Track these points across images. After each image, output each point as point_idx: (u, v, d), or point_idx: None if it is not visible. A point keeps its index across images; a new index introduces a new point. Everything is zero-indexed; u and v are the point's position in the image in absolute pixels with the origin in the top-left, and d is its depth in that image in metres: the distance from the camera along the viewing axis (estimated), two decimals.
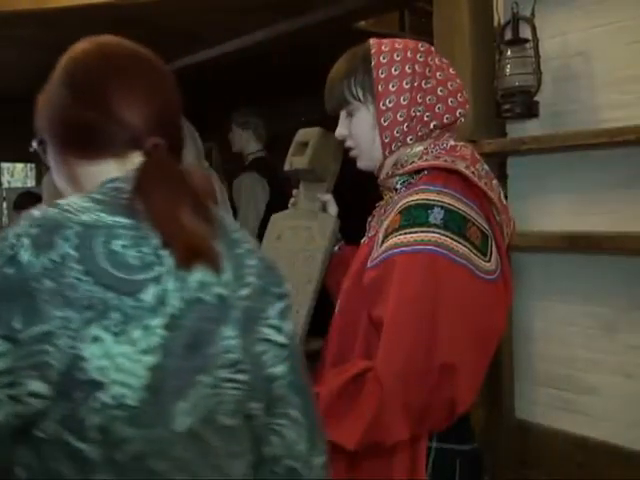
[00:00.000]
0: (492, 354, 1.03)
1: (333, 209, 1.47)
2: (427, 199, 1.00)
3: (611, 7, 1.95)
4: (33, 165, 6.29)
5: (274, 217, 1.61)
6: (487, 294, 0.99)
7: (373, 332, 1.04)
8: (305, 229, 1.48)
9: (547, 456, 2.12)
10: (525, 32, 2.03)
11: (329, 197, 1.48)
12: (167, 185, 0.75)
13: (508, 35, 2.06)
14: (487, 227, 1.03)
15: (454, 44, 2.17)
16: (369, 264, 1.04)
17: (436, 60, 1.12)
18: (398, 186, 1.12)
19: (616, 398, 1.99)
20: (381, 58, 1.10)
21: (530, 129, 2.14)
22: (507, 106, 2.03)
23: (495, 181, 1.10)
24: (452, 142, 1.11)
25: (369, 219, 1.22)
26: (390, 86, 1.08)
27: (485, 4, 2.19)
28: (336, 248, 1.45)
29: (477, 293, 0.98)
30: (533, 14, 2.02)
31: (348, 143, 1.19)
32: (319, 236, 1.43)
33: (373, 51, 1.11)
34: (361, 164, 1.20)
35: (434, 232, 0.97)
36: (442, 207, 0.98)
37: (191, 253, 0.72)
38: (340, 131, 1.18)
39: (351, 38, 3.53)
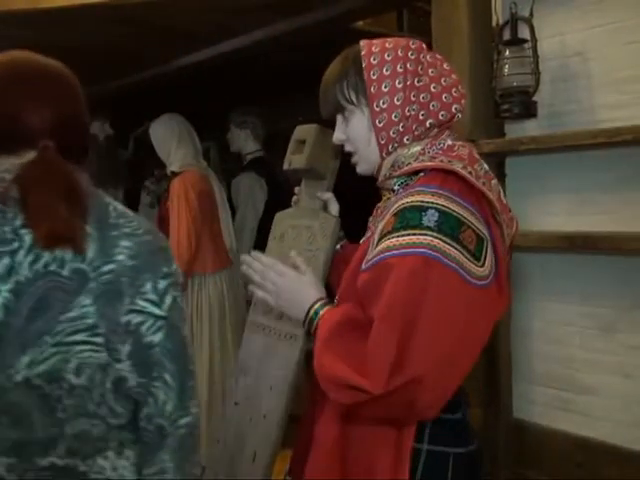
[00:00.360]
0: (471, 365, 1.01)
1: (334, 207, 1.46)
2: (422, 201, 0.98)
3: (609, 8, 1.95)
4: None
5: (278, 215, 1.61)
6: (476, 301, 0.97)
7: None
8: (307, 228, 1.48)
9: (545, 456, 2.13)
10: (523, 32, 2.03)
11: (329, 195, 1.47)
12: (45, 178, 0.90)
13: (506, 35, 2.06)
14: (484, 230, 1.01)
15: (452, 44, 2.16)
16: (363, 266, 1.03)
17: (428, 57, 1.11)
18: (396, 187, 1.11)
19: (614, 398, 1.99)
20: (372, 59, 1.09)
21: (528, 129, 2.14)
22: (505, 106, 2.03)
23: (494, 181, 1.08)
24: (450, 142, 1.10)
25: (370, 219, 1.22)
26: (383, 87, 1.07)
27: (484, 4, 2.18)
28: (338, 246, 1.44)
29: (465, 300, 0.96)
30: (531, 14, 2.02)
31: (347, 148, 1.18)
32: (320, 236, 1.44)
33: (364, 53, 1.10)
34: (360, 169, 1.19)
35: (427, 235, 0.95)
36: (437, 209, 0.97)
37: (50, 234, 0.88)
38: (337, 136, 1.17)
39: (349, 38, 3.53)
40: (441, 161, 1.03)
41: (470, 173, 1.01)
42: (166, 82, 4.06)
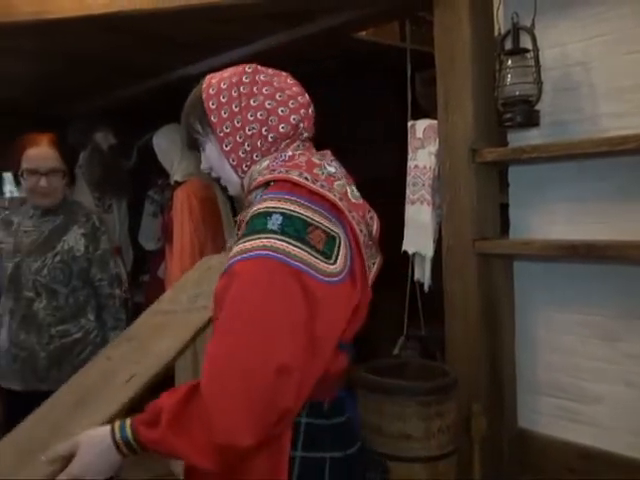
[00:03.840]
0: (327, 357, 1.03)
1: None
2: (267, 207, 1.04)
3: (610, 18, 1.96)
4: None
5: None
6: (325, 296, 1.00)
7: None
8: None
9: (549, 465, 2.12)
10: (525, 42, 2.04)
11: None
12: None
13: (508, 45, 2.07)
14: (336, 229, 1.06)
15: (455, 54, 2.18)
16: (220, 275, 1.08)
17: (262, 77, 1.19)
18: (255, 201, 1.15)
19: (618, 407, 1.99)
20: (210, 90, 1.18)
21: (531, 138, 2.14)
22: (508, 115, 2.04)
23: (340, 182, 1.13)
24: (290, 152, 1.16)
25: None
26: (222, 113, 1.16)
27: (486, 14, 2.20)
28: None
29: (312, 295, 0.99)
30: (533, 24, 2.03)
31: (213, 174, 1.25)
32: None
33: (204, 86, 1.19)
34: (230, 191, 1.26)
35: (270, 237, 1.00)
36: (281, 213, 1.02)
37: None
38: (202, 166, 1.26)
39: (351, 48, 3.54)
40: (279, 172, 1.10)
41: (306, 179, 1.07)
42: (169, 92, 4.07)
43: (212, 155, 1.21)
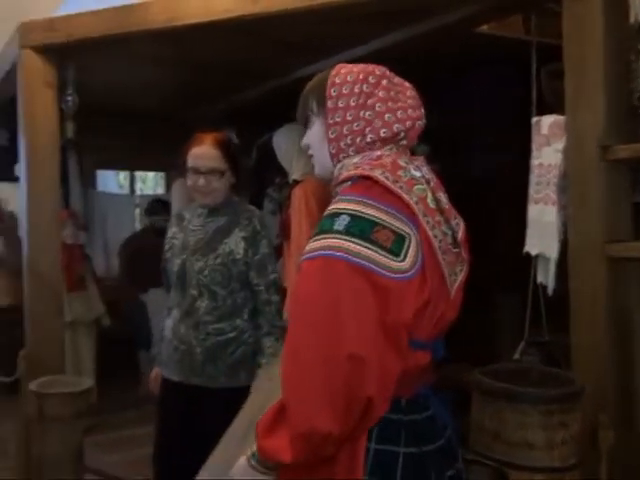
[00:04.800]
0: (404, 350, 1.08)
1: None
2: (337, 208, 1.11)
3: None
4: (163, 174, 6.68)
5: None
6: (393, 290, 1.05)
7: None
8: None
9: None
10: None
11: None
12: None
13: None
14: (405, 229, 1.10)
15: (585, 44, 2.07)
16: None
17: (385, 82, 1.24)
18: (335, 197, 1.21)
19: None
20: (336, 79, 1.24)
21: None
22: None
23: (421, 186, 1.17)
24: (379, 152, 1.21)
25: None
26: (339, 103, 1.22)
27: (619, 2, 2.07)
28: None
29: (381, 289, 1.04)
30: None
31: (309, 151, 1.32)
32: None
33: (333, 72, 1.26)
34: (316, 171, 1.33)
35: (334, 237, 1.07)
36: (349, 214, 1.09)
37: None
38: (303, 140, 1.33)
39: (472, 43, 3.46)
40: (363, 169, 1.16)
41: (387, 178, 1.13)
42: (287, 93, 4.17)
43: (316, 135, 1.27)
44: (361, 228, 1.08)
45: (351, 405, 1.02)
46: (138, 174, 6.93)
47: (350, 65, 1.28)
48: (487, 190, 3.75)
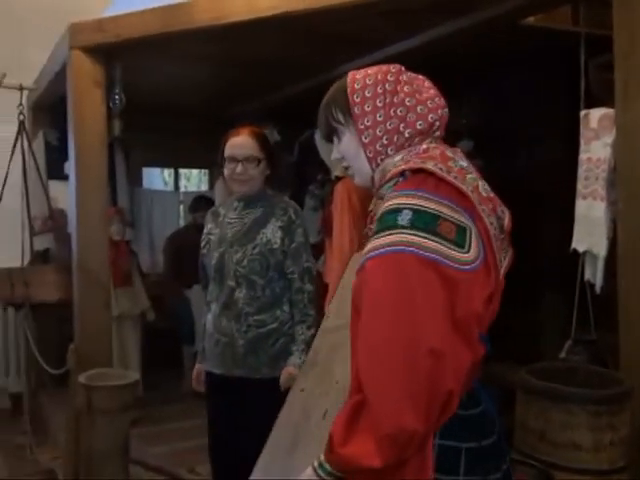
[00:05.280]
0: (475, 342, 1.07)
1: None
2: (397, 204, 1.10)
3: None
4: (206, 171, 6.76)
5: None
6: (462, 282, 1.05)
7: None
8: None
9: None
10: None
11: None
12: None
13: None
14: (466, 220, 1.10)
15: (635, 35, 2.01)
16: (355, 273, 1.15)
17: (404, 77, 1.25)
18: (385, 194, 1.21)
19: None
20: (355, 85, 1.25)
21: None
22: None
23: (471, 175, 1.16)
24: (425, 146, 1.21)
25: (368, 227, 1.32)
26: (365, 107, 1.23)
27: None
28: None
29: (450, 282, 1.04)
30: None
31: (343, 164, 1.32)
32: None
33: (349, 80, 1.27)
34: (356, 180, 1.32)
35: (401, 233, 1.06)
36: (410, 209, 1.08)
37: None
38: (334, 155, 1.33)
39: (518, 35, 3.40)
40: (414, 162, 1.16)
41: (441, 169, 1.12)
42: (328, 90, 4.17)
43: (350, 145, 1.27)
44: (425, 221, 1.07)
45: (433, 401, 1.02)
46: (182, 171, 7.01)
47: (362, 70, 1.28)
48: (532, 185, 3.69)
